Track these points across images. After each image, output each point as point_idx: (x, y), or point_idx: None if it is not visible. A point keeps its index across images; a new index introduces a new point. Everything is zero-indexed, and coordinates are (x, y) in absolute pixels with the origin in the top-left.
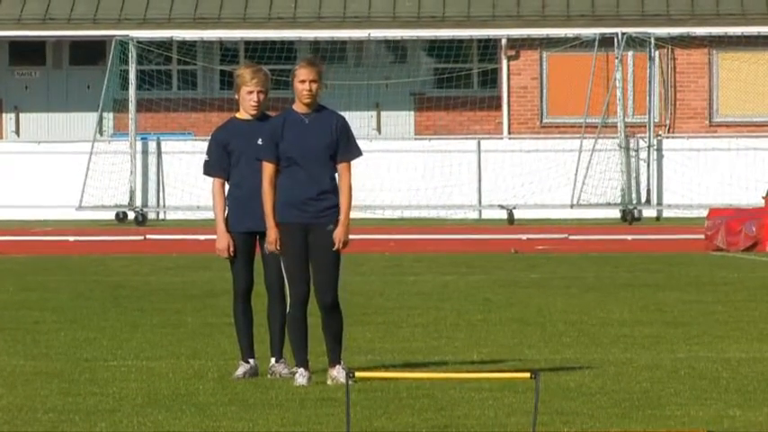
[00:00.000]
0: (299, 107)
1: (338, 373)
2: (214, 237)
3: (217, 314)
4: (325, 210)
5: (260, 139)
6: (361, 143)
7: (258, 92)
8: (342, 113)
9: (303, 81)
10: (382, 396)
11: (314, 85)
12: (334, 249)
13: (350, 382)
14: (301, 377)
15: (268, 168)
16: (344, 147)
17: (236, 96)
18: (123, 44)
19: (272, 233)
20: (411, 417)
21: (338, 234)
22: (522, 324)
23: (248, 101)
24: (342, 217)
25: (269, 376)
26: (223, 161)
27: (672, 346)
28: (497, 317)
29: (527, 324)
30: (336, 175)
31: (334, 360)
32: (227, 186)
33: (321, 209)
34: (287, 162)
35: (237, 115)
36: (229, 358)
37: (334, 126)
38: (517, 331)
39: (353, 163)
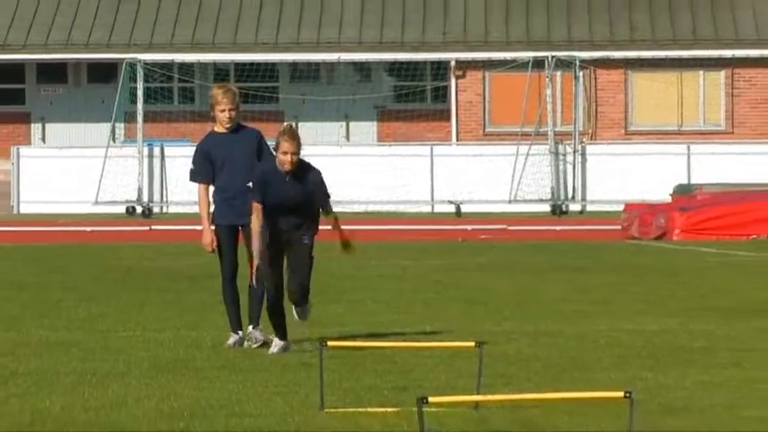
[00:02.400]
0: (281, 168)
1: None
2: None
3: (212, 293)
4: (301, 229)
5: (250, 183)
6: (332, 149)
7: (229, 109)
8: (316, 124)
9: (285, 153)
10: (350, 362)
11: (294, 157)
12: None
13: (323, 350)
14: (276, 347)
15: (257, 208)
16: (322, 199)
17: (212, 113)
18: (132, 65)
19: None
20: (375, 379)
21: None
22: (468, 302)
23: (222, 117)
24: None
25: (246, 342)
26: (207, 169)
27: (595, 320)
28: (448, 295)
29: (473, 301)
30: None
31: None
32: (211, 189)
33: (298, 230)
34: (270, 208)
35: (215, 129)
36: (222, 330)
37: (311, 183)
38: (464, 307)
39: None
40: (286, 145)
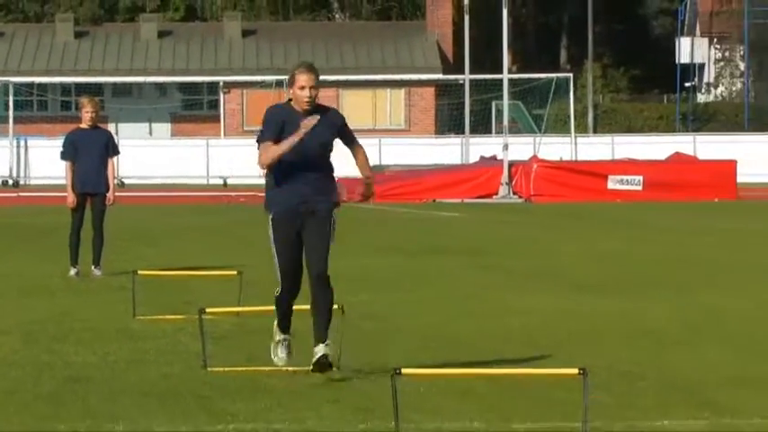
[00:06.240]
0: (297, 107)
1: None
2: (61, 194)
3: (64, 241)
4: (320, 195)
5: (263, 126)
6: (137, 141)
7: (91, 111)
8: (130, 125)
9: (303, 87)
10: (156, 286)
11: (313, 92)
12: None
13: (135, 277)
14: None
15: (266, 146)
16: (349, 136)
17: (80, 114)
18: (6, 85)
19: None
20: (171, 297)
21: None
22: (234, 241)
23: (85, 117)
24: (367, 173)
25: (91, 276)
26: (71, 152)
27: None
28: (219, 241)
29: (238, 242)
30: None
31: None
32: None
33: (317, 194)
34: (287, 159)
35: (81, 126)
36: (69, 266)
37: (333, 123)
38: (231, 245)
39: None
40: (303, 78)
